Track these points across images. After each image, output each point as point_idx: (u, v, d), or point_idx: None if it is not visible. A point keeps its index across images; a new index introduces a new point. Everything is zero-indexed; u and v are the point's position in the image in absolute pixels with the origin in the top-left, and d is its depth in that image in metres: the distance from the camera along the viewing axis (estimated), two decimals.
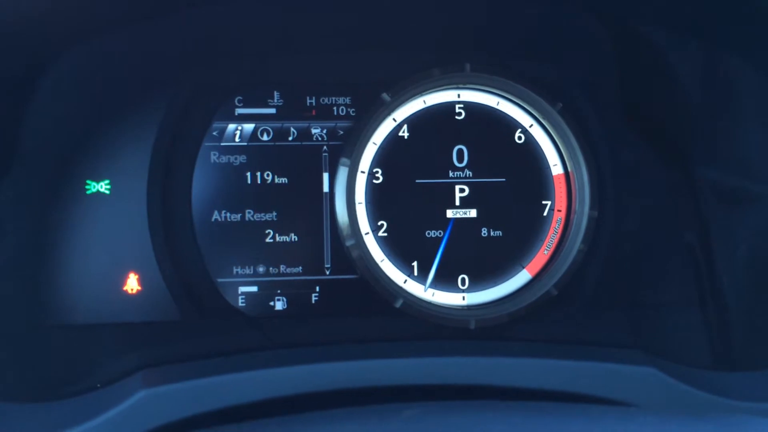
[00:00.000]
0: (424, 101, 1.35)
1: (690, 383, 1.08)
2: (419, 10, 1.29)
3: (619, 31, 1.29)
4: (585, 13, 1.28)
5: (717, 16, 1.15)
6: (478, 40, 1.35)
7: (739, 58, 1.20)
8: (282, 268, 1.30)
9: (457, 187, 1.35)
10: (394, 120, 1.34)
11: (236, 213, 1.30)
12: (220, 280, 1.29)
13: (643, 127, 1.37)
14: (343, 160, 1.30)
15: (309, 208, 1.32)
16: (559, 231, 1.36)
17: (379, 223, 1.33)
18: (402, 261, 1.33)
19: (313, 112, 1.33)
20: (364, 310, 1.31)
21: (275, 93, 1.32)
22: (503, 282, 1.35)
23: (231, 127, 1.31)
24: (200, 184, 1.30)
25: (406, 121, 1.34)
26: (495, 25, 1.33)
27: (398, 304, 1.29)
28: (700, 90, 1.28)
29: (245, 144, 1.31)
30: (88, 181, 1.26)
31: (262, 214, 1.31)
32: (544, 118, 1.35)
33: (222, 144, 1.31)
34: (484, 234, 1.35)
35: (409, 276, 1.33)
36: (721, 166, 1.30)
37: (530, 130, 1.36)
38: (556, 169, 1.36)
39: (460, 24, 1.32)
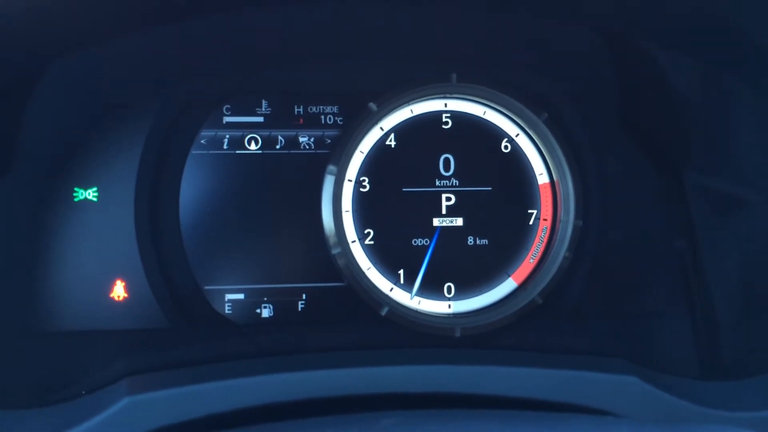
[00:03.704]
0: (411, 110, 1.35)
1: (672, 392, 1.09)
2: (407, 20, 1.30)
3: (614, 43, 1.30)
4: (579, 25, 1.29)
5: (711, 35, 1.16)
6: (466, 50, 1.36)
7: (732, 70, 1.21)
8: (269, 275, 1.31)
9: (444, 196, 1.35)
10: (381, 129, 1.35)
11: (223, 221, 1.31)
12: (206, 287, 1.30)
13: (637, 134, 1.38)
14: (330, 168, 1.31)
15: (296, 216, 1.32)
16: (545, 240, 1.37)
17: (366, 232, 1.34)
18: (388, 269, 1.34)
19: (301, 121, 1.33)
20: (351, 318, 1.31)
21: (263, 102, 1.33)
22: (489, 290, 1.36)
23: (219, 135, 1.32)
24: (188, 192, 1.30)
25: (393, 130, 1.35)
26: (484, 36, 1.34)
27: (384, 312, 1.29)
28: (695, 98, 1.29)
29: (233, 152, 1.32)
30: (75, 189, 1.26)
31: (249, 221, 1.31)
32: (530, 128, 1.36)
33: (210, 152, 1.31)
34: (471, 242, 1.35)
35: (395, 284, 1.34)
36: (713, 173, 1.31)
37: (516, 139, 1.37)
38: (542, 178, 1.37)
39: (448, 34, 1.33)
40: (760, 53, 1.14)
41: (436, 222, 1.35)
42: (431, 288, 1.35)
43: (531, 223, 1.37)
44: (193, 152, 1.31)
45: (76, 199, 1.26)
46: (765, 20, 1.07)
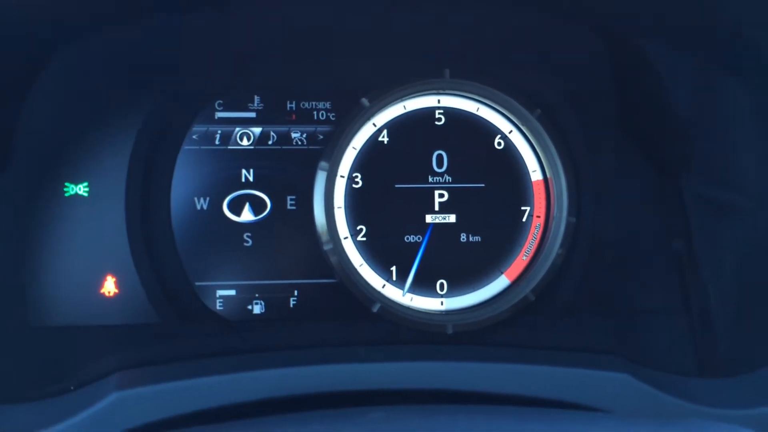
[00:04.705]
0: (404, 106, 1.35)
1: (664, 389, 1.08)
2: (401, 16, 1.29)
3: (612, 43, 1.30)
4: (577, 24, 1.29)
5: (710, 38, 1.16)
6: (459, 46, 1.35)
7: (730, 75, 1.21)
8: (260, 272, 1.31)
9: (437, 192, 1.35)
10: (374, 125, 1.34)
11: (215, 216, 1.31)
12: (198, 283, 1.29)
13: (632, 132, 1.38)
14: (323, 164, 1.31)
15: (288, 212, 1.32)
16: (538, 237, 1.36)
17: (358, 228, 1.33)
18: (380, 266, 1.34)
19: (294, 117, 1.33)
20: (342, 314, 1.31)
21: (255, 97, 1.33)
22: (482, 287, 1.35)
23: (211, 130, 1.31)
24: (179, 188, 1.30)
25: (386, 126, 1.35)
26: (477, 32, 1.33)
27: (376, 308, 1.29)
28: (693, 101, 1.29)
29: (225, 148, 1.31)
30: (66, 184, 1.26)
31: (241, 217, 1.31)
32: (523, 125, 1.36)
33: (202, 147, 1.31)
34: (463, 239, 1.35)
35: (387, 281, 1.34)
36: (710, 175, 1.31)
37: (510, 136, 1.37)
38: (535, 175, 1.37)
39: (442, 30, 1.32)
40: (758, 58, 1.14)
41: (428, 218, 1.35)
42: (424, 285, 1.34)
43: (524, 220, 1.37)
44: (185, 147, 1.30)
45: (66, 194, 1.26)
46: (764, 24, 1.07)
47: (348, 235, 1.33)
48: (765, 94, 1.18)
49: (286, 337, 1.28)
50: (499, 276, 1.36)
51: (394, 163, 1.34)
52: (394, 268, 1.34)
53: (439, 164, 1.35)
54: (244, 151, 1.32)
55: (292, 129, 1.33)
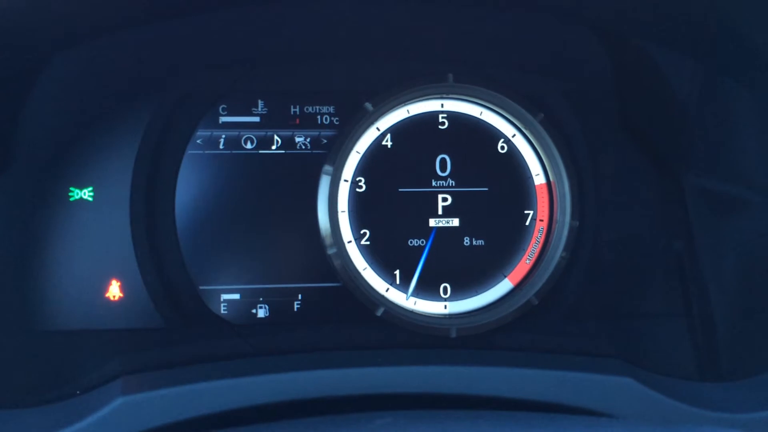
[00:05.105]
0: (408, 111, 1.35)
1: (667, 394, 1.08)
2: (404, 20, 1.30)
3: (613, 44, 1.31)
4: (578, 26, 1.29)
5: (710, 37, 1.16)
6: (462, 50, 1.36)
7: (731, 72, 1.21)
8: (264, 275, 1.31)
9: (440, 196, 1.35)
10: (378, 129, 1.35)
11: (219, 220, 1.31)
12: (202, 287, 1.30)
13: (634, 135, 1.38)
14: (326, 168, 1.31)
15: (292, 216, 1.32)
16: (541, 240, 1.37)
17: (362, 232, 1.34)
18: (384, 269, 1.34)
19: (297, 121, 1.33)
20: (346, 318, 1.31)
21: (259, 101, 1.33)
22: (485, 291, 1.36)
23: (215, 135, 1.32)
24: (184, 192, 1.30)
25: (390, 130, 1.35)
26: (481, 36, 1.34)
27: (380, 312, 1.29)
28: (694, 100, 1.29)
29: (229, 152, 1.32)
30: (71, 188, 1.26)
31: (245, 221, 1.31)
32: (526, 128, 1.36)
33: (206, 152, 1.31)
34: (467, 243, 1.35)
35: (391, 284, 1.34)
36: (712, 174, 1.31)
37: (513, 140, 1.37)
38: (539, 178, 1.37)
39: (445, 34, 1.33)
40: (758, 56, 1.14)
41: (432, 222, 1.35)
42: (427, 288, 1.35)
43: (527, 223, 1.37)
44: (190, 152, 1.31)
45: (71, 199, 1.26)
46: (763, 23, 1.07)
47: (352, 239, 1.33)
48: (765, 92, 1.19)
49: (291, 341, 1.28)
50: (502, 280, 1.36)
51: (397, 167, 1.35)
52: (397, 272, 1.34)
53: (443, 168, 1.36)
54: (248, 156, 1.32)
55: (296, 133, 1.33)
